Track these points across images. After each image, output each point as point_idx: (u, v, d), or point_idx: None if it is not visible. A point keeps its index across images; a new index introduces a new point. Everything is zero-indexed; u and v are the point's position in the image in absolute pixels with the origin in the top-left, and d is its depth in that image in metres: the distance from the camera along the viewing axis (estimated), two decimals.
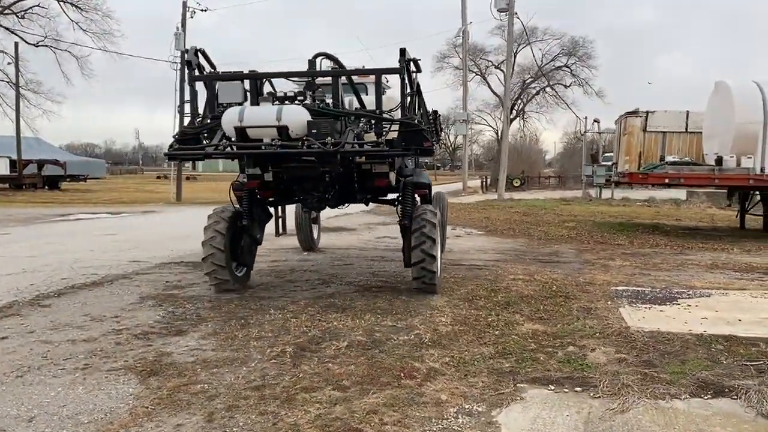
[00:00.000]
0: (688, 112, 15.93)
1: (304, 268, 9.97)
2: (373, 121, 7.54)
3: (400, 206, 8.52)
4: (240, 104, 7.53)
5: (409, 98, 7.61)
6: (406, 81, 7.52)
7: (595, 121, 33.46)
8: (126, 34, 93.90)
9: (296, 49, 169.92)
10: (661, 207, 27.23)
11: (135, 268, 9.98)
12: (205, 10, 34.28)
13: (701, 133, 15.52)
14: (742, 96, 13.04)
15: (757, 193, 16.29)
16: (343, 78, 7.77)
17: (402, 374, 4.91)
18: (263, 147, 7.13)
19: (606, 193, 33.71)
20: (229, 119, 7.16)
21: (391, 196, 9.12)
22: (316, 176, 8.16)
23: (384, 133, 7.43)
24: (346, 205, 9.39)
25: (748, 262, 10.46)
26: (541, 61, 60.42)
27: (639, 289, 8.04)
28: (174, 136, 7.82)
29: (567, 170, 71.57)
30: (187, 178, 52.68)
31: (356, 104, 7.69)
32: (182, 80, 7.86)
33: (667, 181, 13.34)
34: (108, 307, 7.29)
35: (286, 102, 7.40)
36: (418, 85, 8.03)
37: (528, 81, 61.08)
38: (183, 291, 8.21)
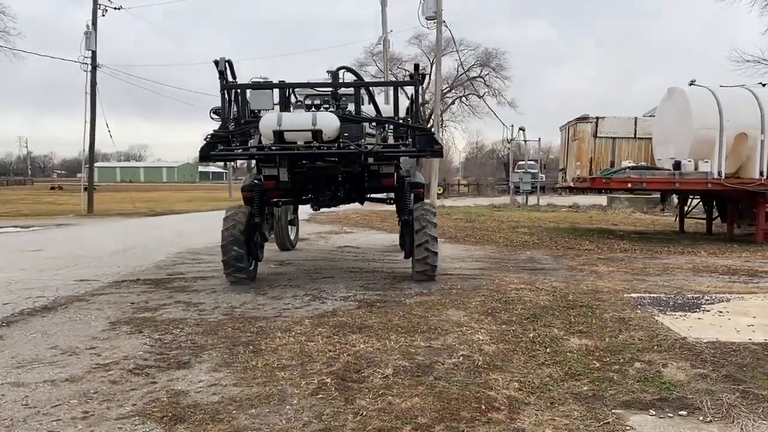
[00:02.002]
0: (636, 118, 16.22)
1: (281, 282, 9.04)
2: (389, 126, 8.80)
3: (399, 204, 9.43)
4: (265, 111, 8.63)
5: (416, 107, 8.68)
6: (415, 92, 8.71)
7: (520, 129, 34.11)
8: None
9: (193, 53, 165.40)
10: (589, 212, 27.93)
11: (86, 288, 8.71)
12: (119, 8, 32.12)
13: (649, 138, 15.82)
14: (698, 102, 13.30)
15: (697, 197, 16.83)
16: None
17: (483, 406, 4.23)
18: (308, 148, 8.00)
19: (531, 200, 34.41)
20: (268, 123, 8.03)
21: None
22: (332, 176, 9.09)
23: (404, 137, 8.59)
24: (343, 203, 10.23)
25: (726, 265, 10.53)
26: (457, 71, 61.66)
27: (654, 295, 7.76)
28: (205, 139, 8.60)
29: (480, 178, 73.36)
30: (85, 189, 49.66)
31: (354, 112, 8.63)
32: (222, 88, 8.61)
33: (629, 185, 13.41)
34: (77, 337, 6.16)
35: (312, 109, 8.46)
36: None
37: (445, 90, 61.84)
38: (157, 313, 7.14)
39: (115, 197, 44.00)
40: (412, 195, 9.51)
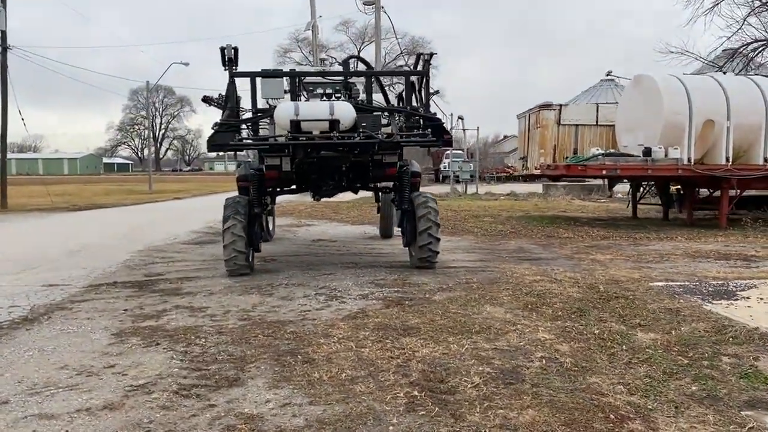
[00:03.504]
0: (597, 105, 16.37)
1: (280, 281, 8.34)
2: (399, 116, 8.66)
3: (399, 192, 9.17)
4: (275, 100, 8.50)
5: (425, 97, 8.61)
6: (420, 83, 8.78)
7: (459, 118, 34.10)
8: None
9: (92, 38, 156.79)
10: (530, 200, 28.29)
11: (60, 294, 7.70)
12: None
13: (611, 125, 16.00)
14: (668, 89, 13.49)
15: (651, 183, 17.17)
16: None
17: (611, 416, 3.83)
18: (325, 138, 7.84)
19: (470, 188, 34.60)
20: (285, 113, 7.81)
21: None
22: (337, 165, 8.85)
23: (416, 127, 8.48)
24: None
25: (713, 250, 10.68)
26: (384, 59, 61.33)
27: (680, 284, 7.66)
28: (213, 128, 8.13)
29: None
30: None
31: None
32: (231, 76, 8.29)
33: (604, 172, 13.44)
34: (83, 353, 5.32)
35: (324, 98, 8.35)
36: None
37: None
38: (162, 321, 6.34)
39: (22, 191, 40.81)
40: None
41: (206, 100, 10.56)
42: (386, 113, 8.55)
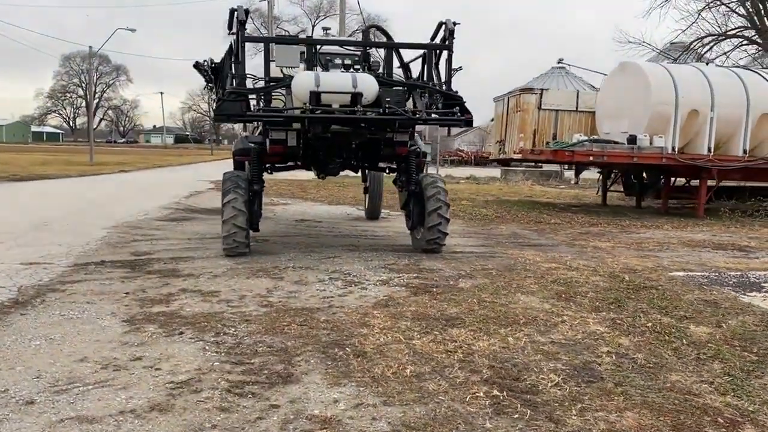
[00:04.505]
0: (578, 91, 16.29)
1: (283, 263, 7.83)
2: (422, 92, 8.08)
3: (406, 172, 8.77)
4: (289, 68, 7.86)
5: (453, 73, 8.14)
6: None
7: None
8: None
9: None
10: (492, 184, 28.36)
11: (47, 274, 6.97)
12: None
13: (590, 112, 15.98)
14: (656, 78, 13.50)
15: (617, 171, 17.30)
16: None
17: (720, 420, 3.60)
18: (345, 112, 7.31)
19: (431, 171, 34.34)
20: (304, 83, 7.24)
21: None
22: (347, 142, 8.32)
23: (436, 104, 8.01)
24: None
25: (706, 240, 10.76)
26: (339, 33, 60.27)
27: (701, 274, 7.58)
28: (222, 98, 7.58)
29: None
30: None
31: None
32: (237, 41, 7.63)
33: (591, 158, 13.37)
34: (98, 342, 4.75)
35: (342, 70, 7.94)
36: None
37: None
38: (173, 306, 5.78)
39: None
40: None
41: (198, 66, 9.85)
42: (404, 88, 8.02)
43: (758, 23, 31.63)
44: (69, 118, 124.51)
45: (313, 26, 65.48)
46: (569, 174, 31.01)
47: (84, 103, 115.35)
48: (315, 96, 7.16)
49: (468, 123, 8.00)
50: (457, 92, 7.81)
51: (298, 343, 4.79)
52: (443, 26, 7.87)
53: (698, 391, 4.01)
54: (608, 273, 7.46)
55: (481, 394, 3.89)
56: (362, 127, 7.69)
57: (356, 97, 7.26)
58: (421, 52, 8.38)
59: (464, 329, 5.16)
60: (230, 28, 7.81)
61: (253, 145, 8.40)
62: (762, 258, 9.07)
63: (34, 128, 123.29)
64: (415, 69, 8.74)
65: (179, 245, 8.96)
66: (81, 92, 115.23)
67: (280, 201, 16.04)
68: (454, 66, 7.77)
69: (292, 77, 7.45)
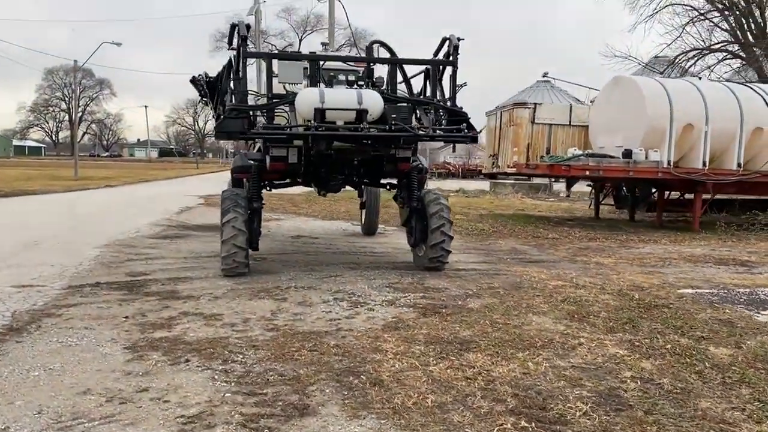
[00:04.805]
0: (571, 105, 16.30)
1: (284, 282, 7.64)
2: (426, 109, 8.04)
3: (408, 189, 8.66)
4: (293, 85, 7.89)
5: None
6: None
7: None
8: None
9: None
10: (482, 197, 28.32)
11: (41, 298, 6.72)
12: None
13: (583, 126, 15.98)
14: (651, 92, 13.52)
15: (609, 184, 17.31)
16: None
17: None
18: (350, 129, 7.18)
19: None
20: (309, 100, 7.11)
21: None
22: (351, 158, 8.23)
23: (440, 120, 7.92)
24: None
25: (707, 254, 10.71)
26: (325, 49, 60.29)
27: (710, 291, 7.49)
28: (223, 114, 7.37)
29: None
30: None
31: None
32: (238, 56, 7.50)
33: (588, 172, 13.33)
34: (100, 372, 4.54)
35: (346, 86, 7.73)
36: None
37: None
38: (175, 331, 5.57)
39: None
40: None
41: (194, 82, 9.68)
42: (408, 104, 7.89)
43: (741, 38, 32.04)
44: (51, 132, 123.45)
45: (300, 40, 65.64)
46: (558, 187, 31.09)
47: (67, 117, 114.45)
48: (320, 113, 7.03)
49: (474, 140, 7.91)
50: (462, 108, 7.70)
51: (310, 371, 4.60)
52: (447, 42, 7.77)
53: (732, 419, 3.88)
54: (616, 291, 7.34)
55: (509, 425, 3.73)
56: (366, 143, 7.54)
57: (362, 113, 7.14)
58: (422, 67, 8.28)
59: (481, 354, 5.00)
60: (230, 43, 7.67)
61: (252, 162, 8.20)
62: (766, 274, 9.01)
63: (15, 142, 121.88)
64: (416, 84, 8.64)
65: (175, 265, 8.74)
66: (64, 106, 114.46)
67: (273, 216, 15.82)
68: (458, 82, 7.65)
69: (295, 93, 7.31)
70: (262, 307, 6.47)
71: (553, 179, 29.41)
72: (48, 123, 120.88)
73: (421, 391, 4.24)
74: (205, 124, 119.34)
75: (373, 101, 7.23)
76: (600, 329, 5.78)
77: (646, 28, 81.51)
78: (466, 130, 7.67)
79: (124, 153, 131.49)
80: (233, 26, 7.56)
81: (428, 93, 8.26)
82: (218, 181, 38.64)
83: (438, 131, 7.68)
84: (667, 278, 8.35)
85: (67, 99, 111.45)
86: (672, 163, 13.38)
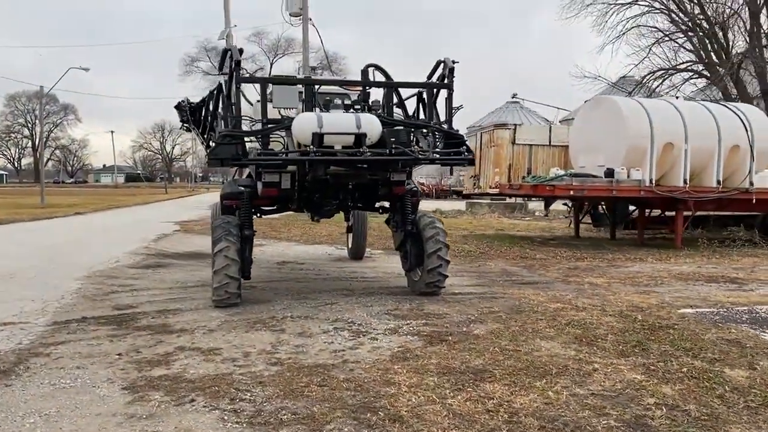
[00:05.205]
0: (551, 125, 16.44)
1: (279, 312, 7.41)
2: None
3: (401, 213, 8.52)
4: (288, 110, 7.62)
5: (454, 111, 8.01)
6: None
7: None
8: None
9: None
10: (459, 217, 28.30)
11: (25, 336, 6.37)
12: None
13: (563, 146, 16.11)
14: (631, 112, 13.69)
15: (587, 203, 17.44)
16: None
17: None
18: (347, 153, 7.08)
19: None
20: (306, 125, 7.00)
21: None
22: (346, 183, 8.12)
23: (440, 143, 7.86)
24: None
25: (695, 272, 10.78)
26: (299, 72, 60.37)
27: (710, 310, 7.49)
28: (216, 141, 7.27)
29: None
30: None
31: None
32: (230, 78, 7.35)
33: (572, 192, 13.38)
34: (100, 417, 4.28)
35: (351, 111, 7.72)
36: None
37: None
38: (174, 369, 5.31)
39: None
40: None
41: (179, 108, 9.47)
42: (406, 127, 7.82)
43: (705, 58, 32.88)
44: (14, 158, 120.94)
45: (271, 64, 65.44)
46: (533, 206, 31.34)
47: (29, 144, 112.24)
48: (318, 137, 6.90)
49: (471, 162, 7.84)
50: (458, 131, 7.63)
51: (324, 408, 4.39)
52: (442, 64, 7.72)
53: None
54: (618, 312, 7.28)
55: None
56: (363, 167, 7.41)
57: (360, 137, 7.03)
58: (415, 90, 8.21)
59: (497, 383, 4.85)
60: (221, 68, 7.50)
61: (242, 188, 7.99)
62: (757, 291, 9.07)
63: None
64: (409, 107, 8.55)
65: (163, 296, 8.43)
66: (27, 132, 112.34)
67: (254, 242, 15.50)
68: (454, 104, 7.60)
69: (291, 118, 7.16)
70: (260, 339, 6.24)
71: (528, 199, 29.76)
72: (10, 150, 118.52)
73: (443, 426, 4.07)
74: (173, 148, 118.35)
75: (372, 125, 7.14)
76: (611, 353, 5.68)
77: (614, 49, 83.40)
78: (466, 153, 7.61)
79: (90, 179, 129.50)
80: (225, 51, 7.42)
81: (422, 116, 8.19)
82: (189, 206, 38.11)
83: (435, 154, 7.58)
84: (663, 298, 8.33)
85: (30, 125, 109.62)
86: (654, 182, 13.52)
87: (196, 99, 11.46)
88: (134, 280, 9.70)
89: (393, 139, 7.23)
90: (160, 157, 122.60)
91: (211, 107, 9.46)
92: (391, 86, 7.89)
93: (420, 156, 7.39)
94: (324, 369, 5.27)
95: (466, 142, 7.80)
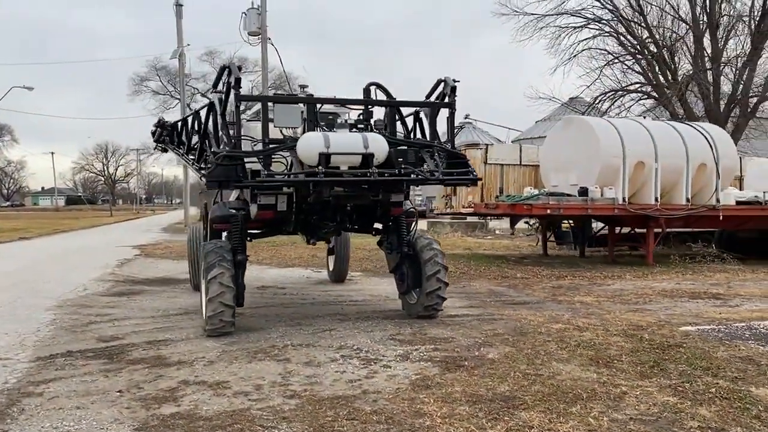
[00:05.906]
0: (521, 145, 16.59)
1: (277, 340, 7.09)
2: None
3: (397, 234, 8.34)
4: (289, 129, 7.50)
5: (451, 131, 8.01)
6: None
7: None
8: None
9: None
10: None
11: (11, 375, 5.87)
12: None
13: (533, 165, 16.27)
14: (603, 131, 13.93)
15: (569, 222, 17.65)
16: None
17: None
18: (354, 174, 6.95)
19: None
20: (313, 145, 6.78)
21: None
22: (344, 204, 7.81)
23: (442, 163, 7.60)
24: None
25: (677, 289, 10.93)
26: (251, 91, 59.67)
27: (710, 327, 7.55)
28: (216, 162, 6.79)
29: None
30: None
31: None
32: (226, 96, 7.12)
33: (548, 211, 13.46)
34: None
35: (354, 130, 7.75)
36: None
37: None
38: (184, 405, 4.97)
39: None
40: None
41: (162, 125, 9.10)
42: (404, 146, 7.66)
43: (653, 79, 34.04)
44: None
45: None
46: (492, 225, 31.69)
47: None
48: (325, 157, 6.68)
49: (475, 182, 7.76)
50: (460, 151, 7.55)
51: None
52: (442, 83, 7.63)
53: None
54: (621, 332, 7.26)
55: None
56: (365, 188, 7.22)
57: (368, 157, 6.86)
58: (412, 109, 8.10)
59: (533, 411, 4.70)
60: (215, 86, 7.21)
61: (233, 211, 7.67)
62: (743, 306, 9.26)
63: None
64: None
65: (147, 325, 7.99)
66: None
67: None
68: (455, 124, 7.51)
69: (292, 137, 6.93)
70: (267, 370, 5.93)
71: (489, 217, 30.02)
72: None
73: None
74: (116, 170, 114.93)
75: (379, 145, 7.00)
76: (632, 375, 5.61)
77: (566, 71, 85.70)
78: (461, 174, 7.58)
79: (27, 202, 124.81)
80: (223, 68, 7.14)
81: (419, 135, 8.07)
82: (141, 229, 37.02)
83: (438, 174, 7.45)
84: (658, 315, 8.38)
85: None
86: (626, 200, 13.75)
87: (150, 119, 11.19)
88: (111, 309, 9.20)
89: (401, 159, 7.08)
90: (102, 178, 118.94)
91: (196, 126, 9.11)
92: (392, 105, 7.75)
93: (430, 176, 7.24)
94: (346, 400, 5.02)
95: (468, 162, 7.72)
